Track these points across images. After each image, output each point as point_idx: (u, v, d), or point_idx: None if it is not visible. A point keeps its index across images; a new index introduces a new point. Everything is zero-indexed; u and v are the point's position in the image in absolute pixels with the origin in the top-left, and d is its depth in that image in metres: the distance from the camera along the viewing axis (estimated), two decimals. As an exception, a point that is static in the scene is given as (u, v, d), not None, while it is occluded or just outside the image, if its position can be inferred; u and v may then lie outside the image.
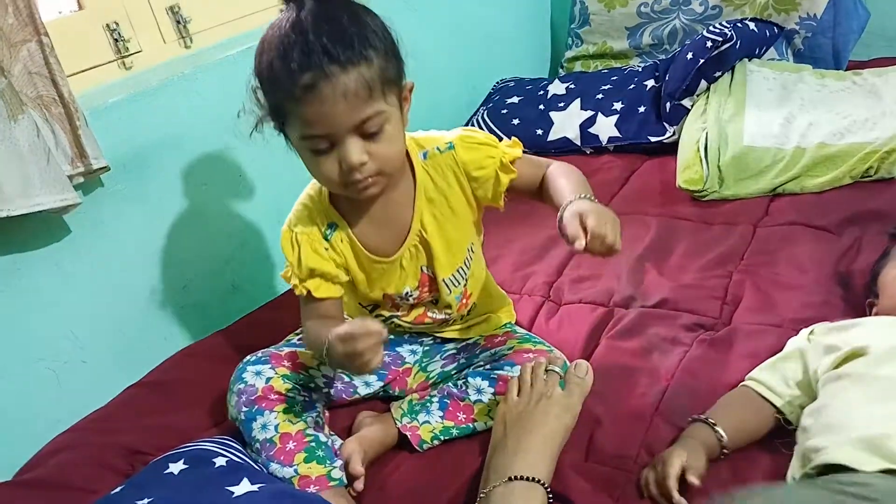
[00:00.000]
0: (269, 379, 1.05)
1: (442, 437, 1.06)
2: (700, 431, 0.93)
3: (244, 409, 1.03)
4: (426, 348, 1.19)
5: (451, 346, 1.19)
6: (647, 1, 2.16)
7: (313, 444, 1.02)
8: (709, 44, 1.78)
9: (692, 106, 1.81)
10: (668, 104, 1.83)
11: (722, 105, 1.74)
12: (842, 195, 1.49)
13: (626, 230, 1.48)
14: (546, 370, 1.01)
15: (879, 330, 0.93)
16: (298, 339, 1.17)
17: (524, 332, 1.19)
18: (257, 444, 1.02)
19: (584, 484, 0.93)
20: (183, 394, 1.24)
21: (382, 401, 1.17)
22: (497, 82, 2.21)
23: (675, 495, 0.86)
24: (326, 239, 1.03)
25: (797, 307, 1.19)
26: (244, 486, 0.88)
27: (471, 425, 1.06)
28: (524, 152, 1.05)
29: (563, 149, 1.91)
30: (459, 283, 1.10)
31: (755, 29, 1.90)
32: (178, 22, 1.47)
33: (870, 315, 1.06)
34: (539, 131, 1.95)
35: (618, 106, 1.90)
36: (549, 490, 0.89)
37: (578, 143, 1.92)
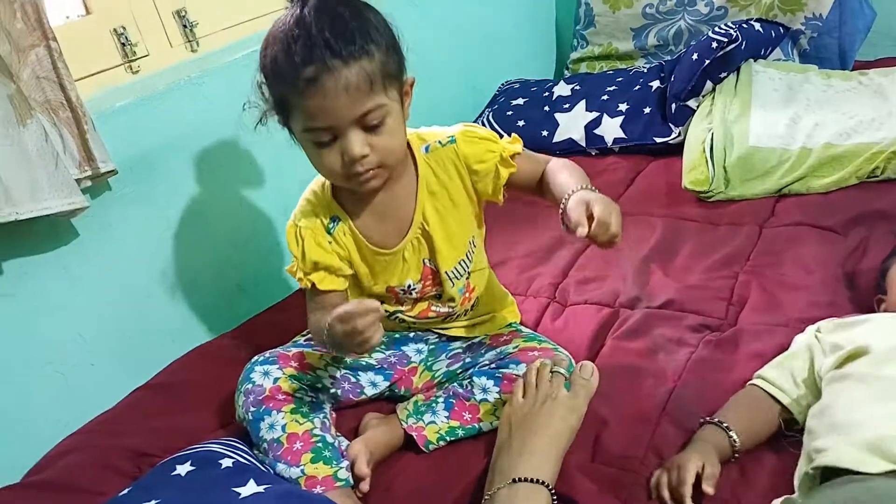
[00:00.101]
0: (276, 379, 1.06)
1: (448, 438, 1.07)
2: (713, 435, 0.93)
3: (252, 409, 1.04)
4: (431, 347, 1.20)
5: (456, 344, 1.19)
6: (652, 2, 2.16)
7: (320, 444, 1.02)
8: (714, 44, 1.78)
9: (698, 107, 1.81)
10: (673, 105, 1.83)
11: (727, 106, 1.73)
12: (848, 196, 1.49)
13: (631, 231, 1.50)
14: (551, 371, 1.01)
15: (883, 328, 0.93)
16: (305, 340, 1.17)
17: (529, 332, 1.20)
18: (264, 444, 1.03)
19: (591, 485, 0.93)
20: (190, 396, 1.24)
21: (389, 402, 1.18)
22: (502, 84, 2.22)
23: (689, 502, 0.86)
24: (329, 232, 1.05)
25: (803, 307, 1.19)
26: (250, 488, 0.89)
27: (476, 425, 1.07)
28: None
29: (568, 150, 1.90)
30: (462, 276, 1.11)
31: (760, 29, 1.90)
32: (185, 26, 1.48)
33: (878, 311, 1.06)
34: (544, 133, 1.95)
35: (623, 107, 1.90)
36: (553, 492, 0.89)
37: (584, 144, 1.92)
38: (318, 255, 1.04)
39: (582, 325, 1.26)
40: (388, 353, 1.18)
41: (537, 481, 0.88)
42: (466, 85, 2.14)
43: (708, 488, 0.86)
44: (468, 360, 1.15)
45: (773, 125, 1.64)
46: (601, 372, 1.02)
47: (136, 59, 1.41)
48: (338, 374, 1.13)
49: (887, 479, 0.73)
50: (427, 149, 1.06)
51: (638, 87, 1.94)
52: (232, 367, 1.14)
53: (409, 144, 1.05)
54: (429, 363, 1.18)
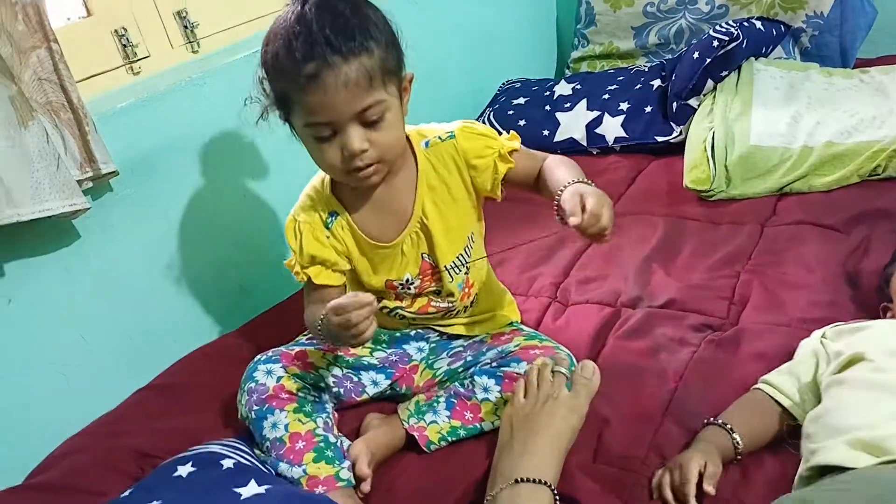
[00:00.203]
0: (280, 378, 1.06)
1: (450, 438, 1.07)
2: (716, 436, 0.93)
3: (255, 407, 1.05)
4: (433, 345, 1.20)
5: (457, 343, 1.19)
6: (653, 1, 2.16)
7: (322, 444, 1.03)
8: (715, 43, 1.78)
9: (699, 105, 1.81)
10: (674, 104, 1.82)
11: (729, 104, 1.73)
12: (849, 194, 1.49)
13: (633, 230, 1.50)
14: (552, 371, 1.01)
15: (882, 334, 0.93)
16: (307, 339, 1.18)
17: (530, 330, 1.20)
18: (267, 444, 1.03)
19: (592, 485, 0.93)
20: (192, 396, 1.25)
21: (390, 402, 1.18)
22: (503, 83, 2.21)
23: (693, 502, 0.86)
24: (327, 227, 1.07)
25: (805, 306, 1.19)
26: (251, 488, 0.89)
27: (478, 425, 1.07)
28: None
29: (569, 149, 1.89)
30: (461, 271, 1.12)
31: (762, 28, 1.90)
32: (186, 27, 1.48)
33: (885, 319, 1.05)
34: (545, 132, 1.95)
35: (624, 106, 1.90)
36: (555, 492, 0.89)
37: (585, 143, 1.92)
38: (316, 250, 1.05)
39: (583, 325, 1.26)
40: (389, 351, 1.18)
41: (539, 482, 0.88)
42: (469, 84, 2.14)
43: (709, 487, 0.86)
44: (469, 358, 1.15)
45: (775, 124, 1.64)
46: (603, 371, 1.02)
47: (137, 61, 1.41)
48: (340, 374, 1.14)
49: (874, 468, 0.74)
50: (427, 144, 1.08)
51: (639, 85, 1.94)
52: (234, 367, 1.15)
53: (409, 140, 1.06)
54: (430, 361, 1.18)
